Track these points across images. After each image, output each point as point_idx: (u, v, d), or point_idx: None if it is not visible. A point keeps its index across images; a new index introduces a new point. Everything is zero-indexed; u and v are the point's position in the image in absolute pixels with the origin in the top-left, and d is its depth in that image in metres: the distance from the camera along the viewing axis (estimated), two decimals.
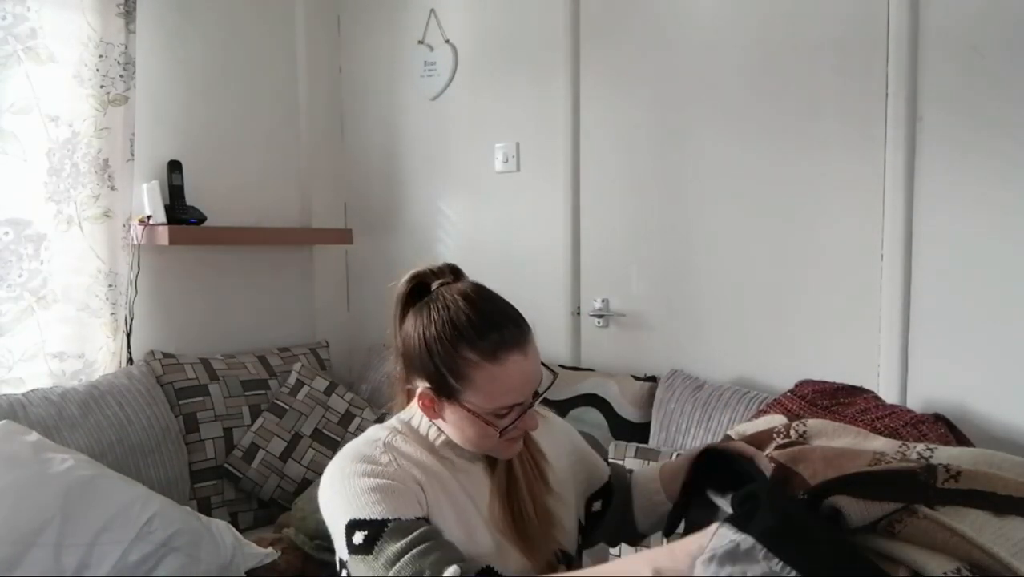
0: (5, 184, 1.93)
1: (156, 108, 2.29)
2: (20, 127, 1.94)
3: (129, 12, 2.08)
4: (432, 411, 1.01)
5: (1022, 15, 1.45)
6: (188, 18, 2.38)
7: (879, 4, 1.61)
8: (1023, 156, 1.46)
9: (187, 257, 2.39)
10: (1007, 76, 1.47)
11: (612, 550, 1.57)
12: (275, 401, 2.26)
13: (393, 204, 2.66)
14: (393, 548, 0.89)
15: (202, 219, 2.30)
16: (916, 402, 1.60)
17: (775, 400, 1.52)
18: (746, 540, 0.75)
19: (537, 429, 1.03)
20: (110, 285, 2.10)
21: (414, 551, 0.88)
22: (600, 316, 2.14)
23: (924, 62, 1.57)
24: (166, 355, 2.22)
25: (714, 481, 1.05)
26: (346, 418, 2.28)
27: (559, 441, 1.16)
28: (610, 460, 1.29)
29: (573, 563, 1.10)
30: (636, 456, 1.74)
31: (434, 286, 1.02)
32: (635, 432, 1.87)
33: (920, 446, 1.00)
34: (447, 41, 2.44)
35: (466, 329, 0.96)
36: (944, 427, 1.38)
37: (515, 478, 1.05)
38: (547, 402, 1.07)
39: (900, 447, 1.01)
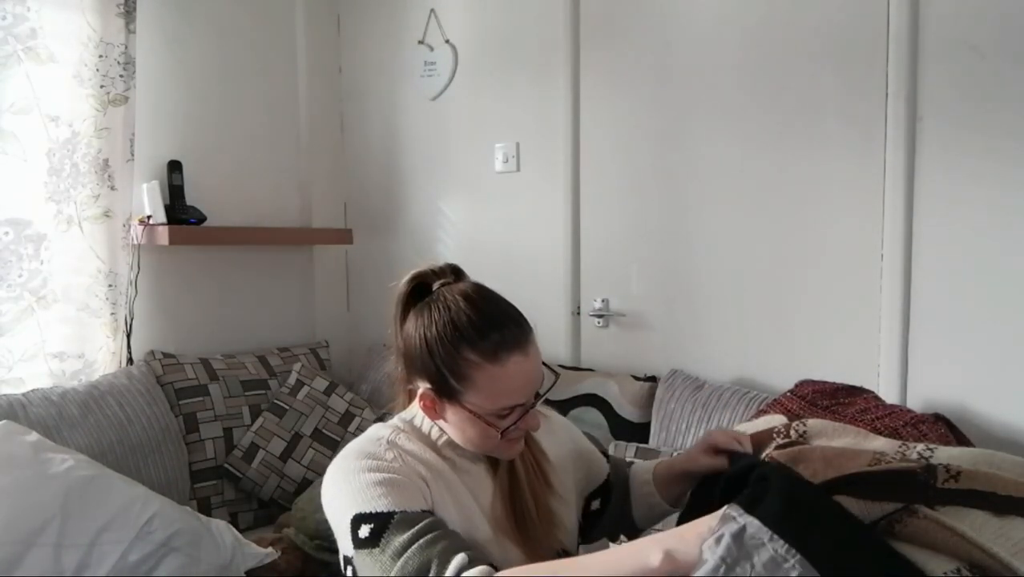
0: (5, 184, 1.93)
1: (156, 108, 2.29)
2: (20, 127, 1.94)
3: (129, 12, 2.08)
4: (433, 412, 1.01)
5: (1022, 15, 1.45)
6: (188, 18, 2.38)
7: (879, 4, 1.61)
8: (1023, 156, 1.46)
9: (187, 257, 2.39)
10: (1007, 76, 1.47)
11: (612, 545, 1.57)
12: (275, 401, 2.26)
13: (393, 204, 2.66)
14: (400, 539, 0.88)
15: (202, 219, 2.30)
16: (916, 402, 1.60)
17: (775, 400, 1.52)
18: (752, 523, 0.75)
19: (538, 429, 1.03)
20: (110, 285, 2.10)
21: (421, 540, 0.88)
22: (600, 316, 2.14)
23: (924, 62, 1.57)
24: (166, 355, 2.22)
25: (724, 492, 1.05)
26: (346, 418, 2.29)
27: (560, 439, 1.16)
28: (610, 456, 1.28)
29: None
30: (636, 456, 1.74)
31: (435, 286, 1.02)
32: (635, 432, 1.87)
33: (920, 446, 1.00)
34: (447, 41, 2.44)
35: (467, 330, 0.96)
36: (944, 427, 1.38)
37: (517, 479, 1.05)
38: (547, 402, 1.07)
39: (900, 447, 1.01)
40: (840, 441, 1.09)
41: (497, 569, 0.86)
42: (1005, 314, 1.50)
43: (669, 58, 1.96)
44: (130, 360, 2.18)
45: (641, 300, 2.07)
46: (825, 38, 1.70)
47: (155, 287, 2.31)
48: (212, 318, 2.46)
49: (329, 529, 1.00)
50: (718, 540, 0.76)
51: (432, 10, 2.47)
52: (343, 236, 2.68)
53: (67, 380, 2.05)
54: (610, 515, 1.19)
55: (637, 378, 1.96)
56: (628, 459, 1.73)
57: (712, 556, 0.75)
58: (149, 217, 2.19)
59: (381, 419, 1.11)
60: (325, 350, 2.60)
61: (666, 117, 1.97)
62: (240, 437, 2.19)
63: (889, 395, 1.60)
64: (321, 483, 1.03)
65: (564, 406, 1.93)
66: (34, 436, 1.65)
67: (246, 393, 2.26)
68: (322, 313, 2.77)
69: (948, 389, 1.57)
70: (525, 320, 1.00)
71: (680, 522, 1.11)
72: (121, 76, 2.07)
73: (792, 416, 1.28)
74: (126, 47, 2.08)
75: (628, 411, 1.90)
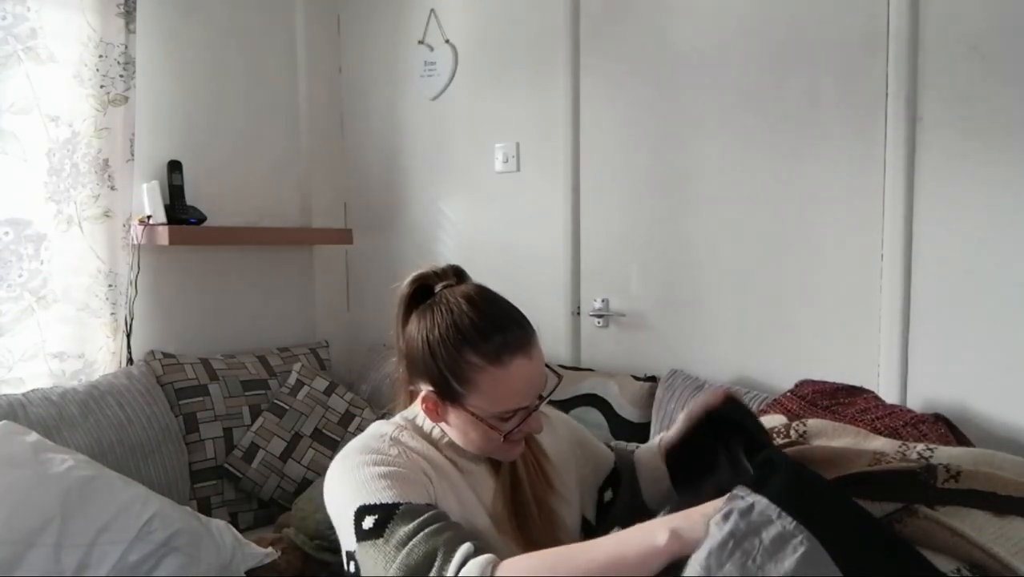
0: (5, 184, 1.93)
1: (156, 108, 2.29)
2: (20, 127, 1.94)
3: (129, 12, 2.08)
4: (435, 414, 1.01)
5: (1022, 15, 1.45)
6: (188, 18, 2.38)
7: (879, 4, 1.61)
8: None
9: (187, 257, 2.39)
10: (1007, 76, 1.47)
11: None
12: (275, 401, 2.26)
13: (393, 204, 2.66)
14: (405, 529, 0.88)
15: (202, 219, 2.30)
16: (916, 402, 1.60)
17: (775, 400, 1.52)
18: (760, 500, 0.76)
19: None
20: (110, 285, 2.10)
21: (427, 530, 0.87)
22: (600, 316, 2.14)
23: (924, 62, 1.57)
24: (166, 355, 2.22)
25: (719, 439, 1.05)
26: (346, 418, 2.29)
27: (561, 436, 1.16)
28: (613, 444, 1.28)
29: None
30: None
31: (437, 288, 1.02)
32: (635, 432, 1.87)
33: (920, 446, 1.00)
34: (447, 41, 2.44)
35: (470, 332, 0.95)
36: (944, 427, 1.38)
37: (519, 480, 1.05)
38: (548, 402, 1.07)
39: (900, 447, 1.01)
40: (840, 441, 1.09)
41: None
42: (1005, 314, 1.50)
43: (669, 58, 1.96)
44: (130, 360, 2.18)
45: (641, 300, 2.07)
46: (825, 38, 1.70)
47: (155, 287, 2.31)
48: (212, 318, 2.46)
49: (329, 529, 0.99)
50: (726, 516, 0.76)
51: (432, 10, 2.47)
52: (343, 236, 2.68)
53: (67, 380, 2.05)
54: (622, 502, 1.19)
55: (637, 378, 1.96)
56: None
57: (719, 532, 0.76)
58: (149, 217, 2.19)
59: (381, 419, 1.10)
60: (325, 350, 2.61)
61: (666, 117, 1.97)
62: (240, 437, 2.19)
63: (889, 395, 1.60)
64: (321, 483, 1.02)
65: (564, 406, 1.93)
66: (34, 436, 1.65)
67: (246, 393, 2.26)
68: (322, 313, 2.77)
69: (948, 389, 1.57)
70: (528, 323, 1.00)
71: (671, 469, 1.11)
72: (121, 76, 2.07)
73: (792, 416, 1.28)
74: (126, 47, 2.08)
75: (628, 411, 1.90)
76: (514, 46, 2.28)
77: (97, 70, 2.03)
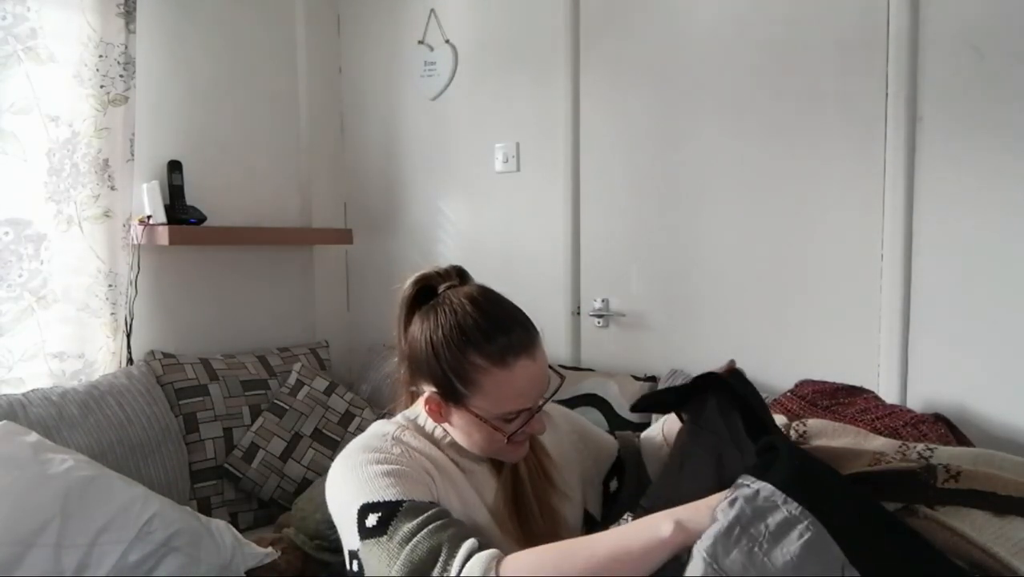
0: (5, 184, 1.93)
1: (156, 108, 2.29)
2: (20, 127, 1.94)
3: (129, 12, 2.08)
4: (439, 415, 1.01)
5: (1022, 15, 1.45)
6: (188, 18, 2.38)
7: (879, 4, 1.61)
8: None
9: (187, 257, 2.39)
10: (1007, 76, 1.47)
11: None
12: (275, 401, 2.26)
13: (393, 204, 2.66)
14: (408, 526, 0.88)
15: (202, 219, 2.30)
16: (916, 402, 1.60)
17: (775, 400, 1.52)
18: (765, 487, 0.76)
19: None
20: (110, 285, 2.10)
21: (431, 526, 0.87)
22: (600, 316, 2.14)
23: (924, 62, 1.57)
24: (166, 355, 2.22)
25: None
26: (346, 418, 2.29)
27: (562, 432, 1.16)
28: (617, 433, 1.28)
29: None
30: None
31: (440, 289, 1.02)
32: (635, 432, 1.87)
33: (920, 446, 1.00)
34: (447, 41, 2.44)
35: (474, 334, 0.95)
36: (944, 427, 1.38)
37: (521, 479, 1.05)
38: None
39: (900, 447, 1.01)
40: (840, 441, 1.09)
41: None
42: (1005, 314, 1.50)
43: (669, 58, 1.96)
44: (130, 360, 2.18)
45: (641, 300, 2.07)
46: (825, 38, 1.70)
47: (155, 287, 2.31)
48: (212, 318, 2.45)
49: (329, 529, 0.99)
50: (731, 503, 0.76)
51: (432, 10, 2.47)
52: (343, 236, 2.68)
53: (67, 380, 2.04)
54: (628, 490, 1.19)
55: (637, 378, 1.96)
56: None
57: (725, 517, 0.76)
58: (149, 217, 2.19)
59: (382, 419, 1.10)
60: (325, 350, 2.60)
61: (666, 117, 1.97)
62: (240, 437, 2.19)
63: (889, 395, 1.60)
64: (321, 483, 1.02)
65: (564, 406, 1.93)
66: (34, 436, 1.65)
67: (246, 393, 2.26)
68: (322, 313, 2.77)
69: (948, 389, 1.57)
70: (531, 324, 1.00)
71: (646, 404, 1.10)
72: (121, 76, 2.07)
73: (792, 416, 1.28)
74: (126, 47, 2.08)
75: (628, 411, 1.90)
76: (514, 46, 2.28)
77: (97, 70, 2.03)
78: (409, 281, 1.04)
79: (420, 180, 2.58)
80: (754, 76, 1.81)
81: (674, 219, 1.98)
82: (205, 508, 2.09)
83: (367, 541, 0.90)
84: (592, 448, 1.19)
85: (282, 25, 2.64)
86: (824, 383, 1.50)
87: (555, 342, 2.19)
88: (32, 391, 1.88)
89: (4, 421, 1.67)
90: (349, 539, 0.95)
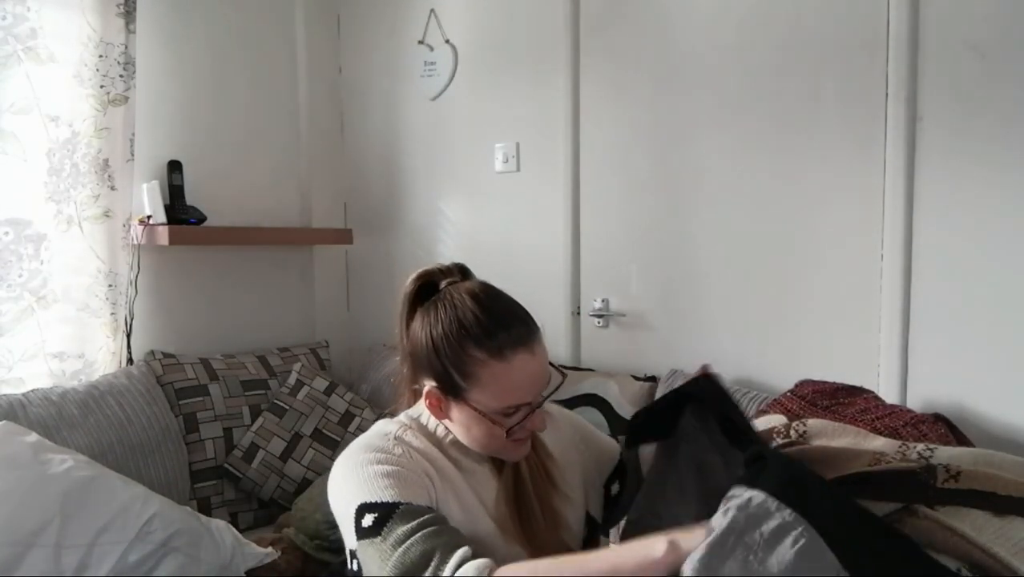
0: (5, 184, 1.93)
1: (156, 108, 2.29)
2: (20, 127, 1.94)
3: (129, 12, 2.08)
4: (439, 411, 1.01)
5: (1022, 15, 1.45)
6: (188, 18, 2.38)
7: (879, 4, 1.61)
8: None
9: (187, 257, 2.39)
10: (1007, 76, 1.47)
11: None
12: (275, 401, 2.26)
13: (393, 204, 2.66)
14: (403, 528, 0.88)
15: (202, 219, 2.30)
16: (916, 402, 1.60)
17: (775, 400, 1.52)
18: (757, 495, 0.76)
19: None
20: (110, 285, 2.10)
21: (425, 531, 0.88)
22: (600, 316, 2.14)
23: (924, 62, 1.57)
24: (166, 355, 2.22)
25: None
26: (346, 418, 2.29)
27: (564, 434, 1.16)
28: (619, 436, 1.28)
29: None
30: None
31: (442, 285, 1.02)
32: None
33: (920, 446, 1.00)
34: (447, 41, 2.44)
35: (473, 327, 0.96)
36: (944, 427, 1.38)
37: (522, 480, 1.05)
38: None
39: (900, 447, 1.01)
40: (840, 441, 1.09)
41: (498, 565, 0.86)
42: (1005, 314, 1.50)
43: (669, 58, 1.96)
44: (130, 360, 2.18)
45: (641, 300, 2.07)
46: (825, 38, 1.70)
47: (155, 287, 2.31)
48: (212, 318, 2.45)
49: (329, 529, 1.00)
50: (725, 512, 0.76)
51: (432, 10, 2.47)
52: (343, 236, 2.68)
53: (67, 380, 2.04)
54: (629, 494, 1.19)
55: (637, 378, 1.96)
56: None
57: (719, 527, 0.76)
58: (149, 217, 2.19)
59: (383, 419, 1.10)
60: (325, 350, 2.60)
61: (666, 117, 1.97)
62: (240, 437, 2.19)
63: (889, 395, 1.60)
64: (321, 483, 1.03)
65: (564, 406, 1.93)
66: (33, 437, 1.65)
67: (246, 393, 2.26)
68: (322, 313, 2.77)
69: (948, 389, 1.57)
70: (532, 319, 1.00)
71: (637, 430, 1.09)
72: (121, 76, 2.07)
73: (792, 416, 1.28)
74: (126, 47, 2.08)
75: (628, 411, 1.89)
76: (514, 46, 2.28)
77: (97, 70, 2.03)
78: (411, 278, 1.05)
79: (420, 180, 2.58)
80: (754, 76, 1.81)
81: (674, 219, 1.98)
82: (205, 508, 2.09)
83: (363, 541, 0.91)
84: (595, 451, 1.19)
85: (282, 25, 2.64)
86: (824, 383, 1.50)
87: (555, 342, 2.19)
88: (32, 391, 1.88)
89: (4, 421, 1.68)
90: (349, 538, 0.95)
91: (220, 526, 1.70)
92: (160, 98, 2.31)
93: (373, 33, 2.67)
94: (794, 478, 0.80)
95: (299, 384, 2.31)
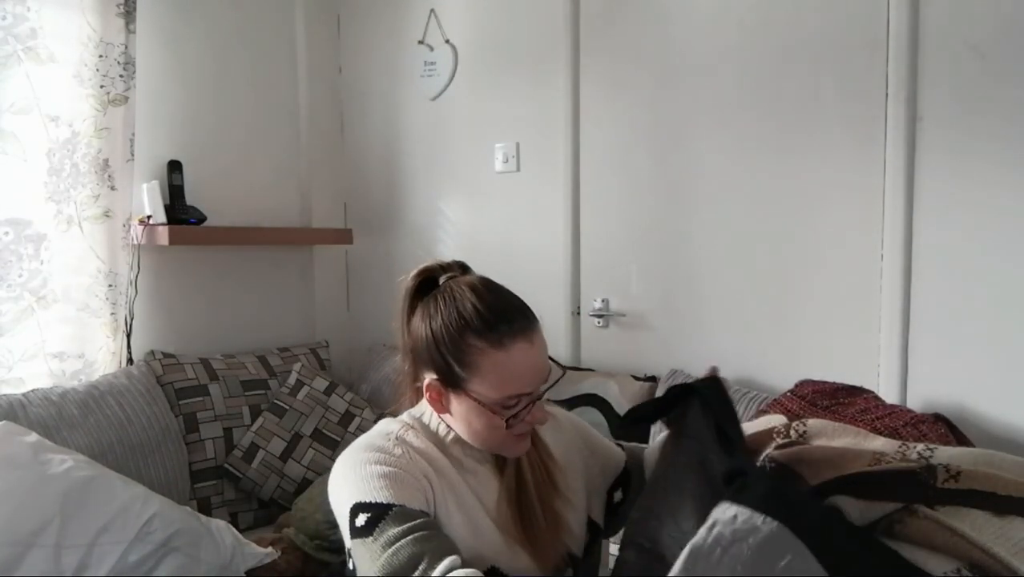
0: (5, 184, 1.93)
1: (156, 108, 2.29)
2: (20, 127, 1.94)
3: (129, 12, 2.08)
4: (439, 404, 1.02)
5: (1022, 15, 1.45)
6: (188, 18, 2.38)
7: (879, 4, 1.61)
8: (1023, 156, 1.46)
9: (187, 257, 2.39)
10: (1007, 76, 1.47)
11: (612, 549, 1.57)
12: (275, 401, 2.26)
13: (393, 204, 2.66)
14: (394, 530, 0.89)
15: (202, 219, 2.30)
16: (916, 402, 1.60)
17: (775, 400, 1.52)
18: (743, 511, 0.77)
19: (545, 427, 1.03)
20: (110, 285, 2.10)
21: (415, 535, 0.88)
22: (600, 316, 2.14)
23: (924, 62, 1.57)
24: (166, 355, 2.22)
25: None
26: (346, 418, 2.28)
27: (568, 438, 1.16)
28: (625, 445, 1.28)
29: (579, 565, 1.09)
30: None
31: (442, 280, 1.03)
32: (635, 433, 1.87)
33: (920, 446, 1.00)
34: (447, 41, 2.44)
35: (472, 318, 0.96)
36: (944, 427, 1.38)
37: (524, 481, 1.04)
38: (553, 403, 1.07)
39: (900, 447, 1.01)
40: (840, 441, 1.09)
41: (499, 572, 0.86)
42: (1005, 314, 1.50)
43: (669, 58, 1.96)
44: (130, 360, 2.18)
45: (641, 300, 2.07)
46: (825, 39, 1.70)
47: (155, 287, 2.31)
48: (212, 318, 2.45)
49: (329, 529, 1.00)
50: (711, 528, 0.77)
51: (432, 10, 2.47)
52: (343, 236, 2.68)
53: (67, 380, 2.04)
54: (632, 503, 1.19)
55: (637, 378, 1.96)
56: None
57: (703, 541, 0.76)
58: (149, 217, 2.19)
59: (383, 418, 1.11)
60: (325, 350, 2.60)
61: (666, 117, 1.97)
62: (240, 437, 2.19)
63: (889, 395, 1.60)
64: (321, 483, 1.03)
65: (564, 406, 1.92)
66: (33, 437, 1.65)
67: (246, 393, 2.26)
68: (322, 313, 2.77)
69: (948, 389, 1.57)
70: (530, 311, 1.01)
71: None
72: (121, 76, 2.07)
73: (792, 416, 1.28)
74: (126, 47, 2.08)
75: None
76: (514, 46, 2.28)
77: (97, 70, 2.03)
78: (411, 274, 1.05)
79: (420, 180, 2.58)
80: (754, 76, 1.81)
81: (674, 219, 1.98)
82: (205, 508, 2.09)
83: (355, 540, 0.92)
84: (599, 456, 1.19)
85: (282, 25, 2.64)
86: (824, 383, 1.50)
87: (555, 342, 2.19)
88: (32, 391, 1.88)
89: (4, 421, 1.68)
90: (346, 536, 0.95)
91: (220, 526, 1.70)
92: (160, 98, 2.31)
93: (373, 33, 2.68)
94: (777, 491, 0.81)
95: (299, 384, 2.31)
